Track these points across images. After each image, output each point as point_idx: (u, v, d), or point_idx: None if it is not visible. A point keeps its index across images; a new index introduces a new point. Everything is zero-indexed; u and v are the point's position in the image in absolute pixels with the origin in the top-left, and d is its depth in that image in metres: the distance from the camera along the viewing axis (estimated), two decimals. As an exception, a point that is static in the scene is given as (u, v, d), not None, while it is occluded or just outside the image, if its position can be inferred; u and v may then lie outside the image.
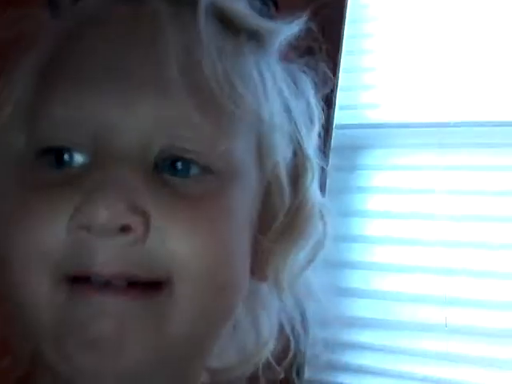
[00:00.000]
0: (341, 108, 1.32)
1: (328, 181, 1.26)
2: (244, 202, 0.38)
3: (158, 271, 0.34)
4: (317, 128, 0.43)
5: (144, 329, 0.34)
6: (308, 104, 0.43)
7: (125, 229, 0.33)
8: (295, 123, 0.42)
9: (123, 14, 0.37)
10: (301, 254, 0.41)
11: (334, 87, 1.31)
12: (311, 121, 0.43)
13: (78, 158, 0.35)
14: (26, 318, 0.36)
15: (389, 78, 1.32)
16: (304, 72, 0.43)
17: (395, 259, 1.20)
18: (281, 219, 0.40)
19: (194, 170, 0.35)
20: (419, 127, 1.26)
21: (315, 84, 0.43)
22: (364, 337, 1.19)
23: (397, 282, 1.18)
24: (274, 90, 0.41)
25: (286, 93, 0.42)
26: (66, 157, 0.35)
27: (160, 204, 0.34)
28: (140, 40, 0.36)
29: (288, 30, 0.41)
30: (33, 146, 0.36)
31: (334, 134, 1.29)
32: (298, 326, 0.44)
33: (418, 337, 1.14)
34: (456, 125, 1.21)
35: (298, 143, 0.42)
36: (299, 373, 0.49)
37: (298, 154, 0.41)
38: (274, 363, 0.45)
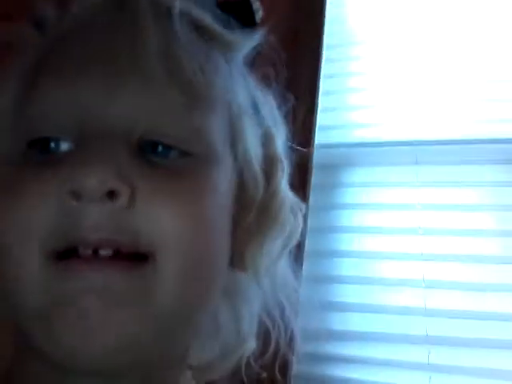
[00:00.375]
0: (321, 128, 1.36)
1: (311, 198, 1.31)
2: (222, 185, 0.39)
3: (142, 241, 0.35)
4: (283, 132, 0.46)
5: (130, 302, 0.34)
6: (273, 110, 0.46)
7: (112, 195, 0.34)
8: (263, 119, 0.44)
9: (105, 16, 0.40)
10: (275, 244, 0.43)
11: (314, 108, 1.36)
12: (277, 124, 0.46)
13: (64, 146, 0.37)
14: (14, 297, 0.36)
15: (368, 98, 1.36)
16: (267, 87, 0.46)
17: (379, 273, 1.23)
18: (255, 209, 0.42)
19: (173, 154, 0.37)
20: (398, 145, 1.30)
21: (278, 99, 0.47)
22: (351, 349, 1.21)
23: (381, 296, 1.21)
24: (243, 86, 0.44)
25: (254, 92, 0.45)
26: (52, 145, 0.37)
27: (145, 177, 0.36)
28: (121, 34, 0.38)
29: (250, 41, 0.44)
30: (21, 141, 0.38)
31: (315, 153, 1.33)
32: (279, 322, 0.46)
33: (400, 347, 1.17)
34: (434, 143, 1.26)
35: (267, 139, 0.44)
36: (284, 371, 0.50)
37: (269, 149, 0.44)
38: (254, 362, 0.46)
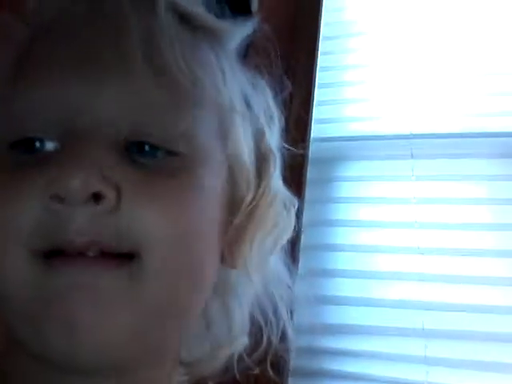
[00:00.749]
0: (317, 122, 1.36)
1: (307, 192, 1.31)
2: (211, 184, 0.39)
3: (128, 242, 0.34)
4: (277, 126, 0.45)
5: (117, 300, 0.34)
6: (267, 104, 0.45)
7: (97, 198, 0.34)
8: (255, 115, 0.43)
9: (86, 8, 0.39)
10: (267, 240, 0.43)
11: (310, 102, 1.36)
12: (271, 118, 0.45)
13: (49, 145, 0.36)
14: (2, 297, 0.36)
15: (363, 91, 1.36)
16: (262, 77, 0.45)
17: (375, 267, 1.23)
18: (247, 204, 0.41)
19: (160, 154, 0.37)
20: (393, 139, 1.30)
21: (274, 89, 0.46)
22: (347, 343, 1.21)
23: (377, 289, 1.21)
24: (233, 80, 0.42)
25: (246, 87, 0.44)
26: (37, 144, 0.36)
27: (130, 179, 0.35)
28: (103, 30, 0.37)
29: (242, 30, 0.43)
30: (4, 142, 0.37)
31: (311, 147, 1.33)
32: (271, 318, 0.46)
33: (398, 340, 1.17)
34: (429, 136, 1.26)
35: (260, 135, 0.43)
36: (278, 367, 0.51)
37: (260, 146, 0.43)
38: (246, 358, 0.46)
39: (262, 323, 0.46)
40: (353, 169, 1.33)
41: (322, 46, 1.41)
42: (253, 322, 0.46)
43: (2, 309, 0.37)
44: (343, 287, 1.25)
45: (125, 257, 0.35)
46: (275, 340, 0.46)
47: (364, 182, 1.30)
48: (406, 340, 1.16)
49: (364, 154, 1.32)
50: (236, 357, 0.46)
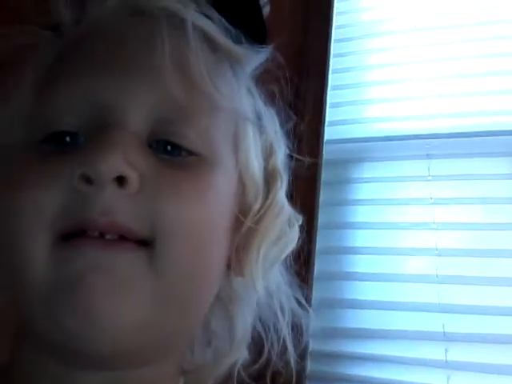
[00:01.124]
0: (331, 123, 1.35)
1: (322, 195, 1.30)
2: (225, 187, 0.41)
3: (146, 227, 0.36)
4: (283, 151, 0.48)
5: (139, 281, 0.35)
6: (275, 131, 0.48)
7: (121, 181, 0.36)
8: (266, 131, 0.46)
9: (123, 21, 0.42)
10: (271, 251, 0.45)
11: (323, 104, 1.35)
12: (278, 139, 0.48)
13: (79, 139, 0.38)
14: (20, 276, 0.37)
15: (378, 92, 1.35)
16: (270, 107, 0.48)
17: (392, 269, 1.22)
18: (254, 213, 0.44)
19: (183, 153, 0.39)
20: (409, 139, 1.28)
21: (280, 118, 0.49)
22: (366, 347, 1.19)
23: (396, 292, 1.19)
24: (248, 97, 0.46)
25: (259, 105, 0.47)
26: (67, 138, 0.39)
27: (153, 168, 0.37)
28: (137, 37, 0.40)
29: (258, 56, 0.46)
30: (37, 133, 0.39)
31: (324, 149, 1.31)
32: (272, 330, 0.47)
33: (416, 345, 1.15)
34: (445, 136, 1.24)
35: (269, 151, 0.46)
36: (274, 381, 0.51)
37: (269, 162, 0.46)
38: (245, 370, 0.47)
39: (263, 335, 0.47)
40: (368, 170, 1.32)
41: (335, 47, 1.40)
42: (253, 333, 0.47)
43: (16, 297, 0.38)
44: (360, 290, 1.23)
45: (142, 244, 0.36)
46: (274, 353, 0.47)
47: (380, 184, 1.29)
48: (427, 344, 1.14)
49: (379, 155, 1.31)
50: (236, 368, 0.46)
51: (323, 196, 1.29)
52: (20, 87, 0.43)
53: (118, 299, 0.35)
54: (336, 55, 1.40)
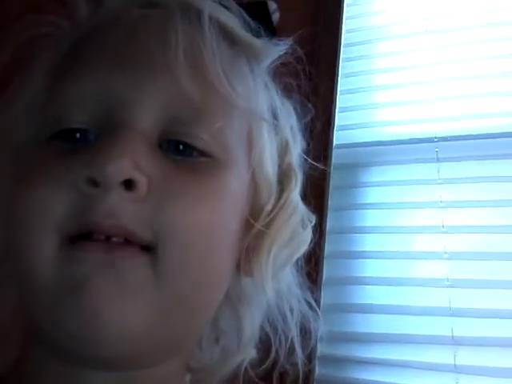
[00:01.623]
0: (340, 128, 1.35)
1: (331, 199, 1.30)
2: (236, 190, 0.40)
3: (151, 231, 0.35)
4: (299, 148, 0.47)
5: (143, 286, 0.35)
6: (293, 123, 0.46)
7: (129, 185, 0.35)
8: (281, 129, 0.45)
9: (137, 13, 0.41)
10: (283, 252, 0.44)
11: (332, 109, 1.35)
12: (295, 136, 0.46)
13: (89, 136, 0.38)
14: (27, 278, 0.36)
15: (387, 96, 1.35)
16: (289, 101, 0.47)
17: (401, 274, 1.21)
18: (266, 214, 0.43)
19: (195, 154, 0.38)
20: (418, 143, 1.28)
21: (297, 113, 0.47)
22: (375, 352, 1.19)
23: (405, 296, 1.19)
24: (264, 93, 0.44)
25: (275, 102, 0.45)
26: (77, 135, 0.38)
27: (162, 171, 0.36)
28: (151, 32, 0.39)
29: (276, 49, 0.45)
30: (46, 132, 0.39)
31: (333, 154, 1.31)
32: (281, 331, 0.46)
33: (424, 350, 1.15)
34: (455, 138, 1.24)
35: (284, 150, 0.45)
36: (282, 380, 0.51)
37: (284, 160, 0.45)
38: (252, 370, 0.47)
39: (271, 336, 0.46)
40: (377, 174, 1.32)
41: (345, 51, 1.40)
42: (261, 333, 0.47)
43: (25, 297, 0.38)
44: (369, 295, 1.23)
45: (146, 249, 0.35)
46: (282, 353, 0.46)
47: (389, 187, 1.28)
48: (435, 348, 1.13)
49: (388, 159, 1.31)
50: (243, 367, 0.46)
51: (332, 200, 1.29)
52: (34, 77, 0.42)
53: (122, 304, 0.34)
54: (346, 59, 1.40)
